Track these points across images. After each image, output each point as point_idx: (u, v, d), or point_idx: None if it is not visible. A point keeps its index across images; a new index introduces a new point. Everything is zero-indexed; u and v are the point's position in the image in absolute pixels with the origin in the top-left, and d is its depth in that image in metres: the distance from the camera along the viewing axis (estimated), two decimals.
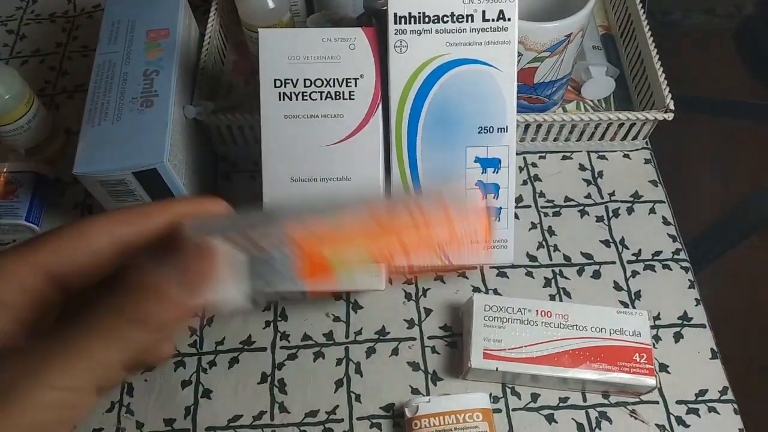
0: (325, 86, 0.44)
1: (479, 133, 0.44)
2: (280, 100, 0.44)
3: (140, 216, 0.24)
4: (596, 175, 0.57)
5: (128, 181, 0.46)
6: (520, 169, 0.57)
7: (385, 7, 0.44)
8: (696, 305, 0.50)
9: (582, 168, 0.57)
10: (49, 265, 0.22)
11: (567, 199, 0.56)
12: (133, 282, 0.21)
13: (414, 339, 0.49)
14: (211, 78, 0.58)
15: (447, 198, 0.26)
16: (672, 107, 0.53)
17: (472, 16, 0.43)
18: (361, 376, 0.48)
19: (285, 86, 0.44)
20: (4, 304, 0.22)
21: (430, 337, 0.49)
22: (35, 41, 0.68)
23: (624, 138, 0.57)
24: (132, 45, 0.52)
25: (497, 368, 0.44)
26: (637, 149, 0.58)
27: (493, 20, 0.43)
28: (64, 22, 0.69)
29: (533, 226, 0.54)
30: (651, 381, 0.44)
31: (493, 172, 0.45)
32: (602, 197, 0.56)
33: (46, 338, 0.20)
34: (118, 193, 0.47)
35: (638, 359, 0.44)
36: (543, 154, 0.58)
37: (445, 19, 0.43)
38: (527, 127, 0.55)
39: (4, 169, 0.55)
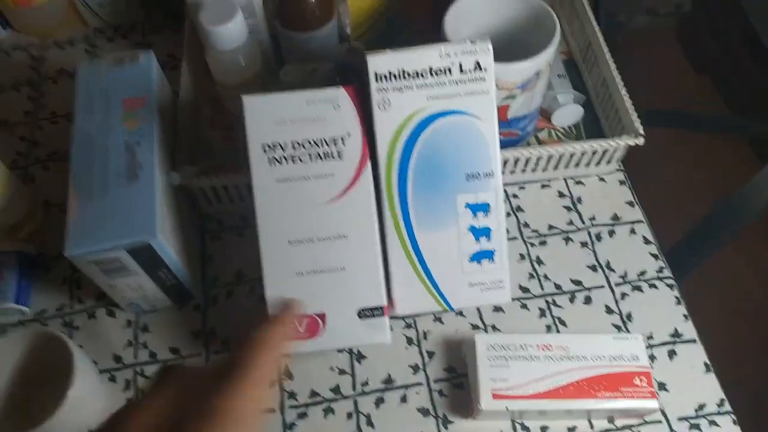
0: (314, 147, 0.45)
1: (467, 180, 0.45)
2: (270, 165, 0.44)
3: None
4: (575, 201, 0.59)
5: (122, 258, 0.46)
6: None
7: (355, 60, 0.45)
8: (685, 321, 0.52)
9: (561, 195, 0.59)
10: None
11: (551, 227, 0.57)
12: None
13: (420, 384, 0.50)
14: (190, 138, 0.58)
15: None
16: (642, 132, 0.55)
17: (449, 68, 0.44)
18: (373, 427, 0.48)
19: (274, 150, 0.44)
20: None
21: (436, 381, 0.50)
22: (2, 112, 0.66)
23: (598, 163, 0.59)
24: (109, 116, 0.51)
25: (507, 407, 0.45)
26: (611, 172, 0.60)
27: (470, 71, 0.44)
28: (29, 91, 0.68)
29: (522, 257, 0.56)
30: (654, 404, 0.45)
31: (484, 216, 0.46)
32: (584, 222, 0.58)
33: None
34: (111, 270, 0.47)
35: (639, 383, 0.46)
36: (522, 185, 0.60)
37: (424, 74, 0.44)
38: (506, 162, 0.57)
39: None
